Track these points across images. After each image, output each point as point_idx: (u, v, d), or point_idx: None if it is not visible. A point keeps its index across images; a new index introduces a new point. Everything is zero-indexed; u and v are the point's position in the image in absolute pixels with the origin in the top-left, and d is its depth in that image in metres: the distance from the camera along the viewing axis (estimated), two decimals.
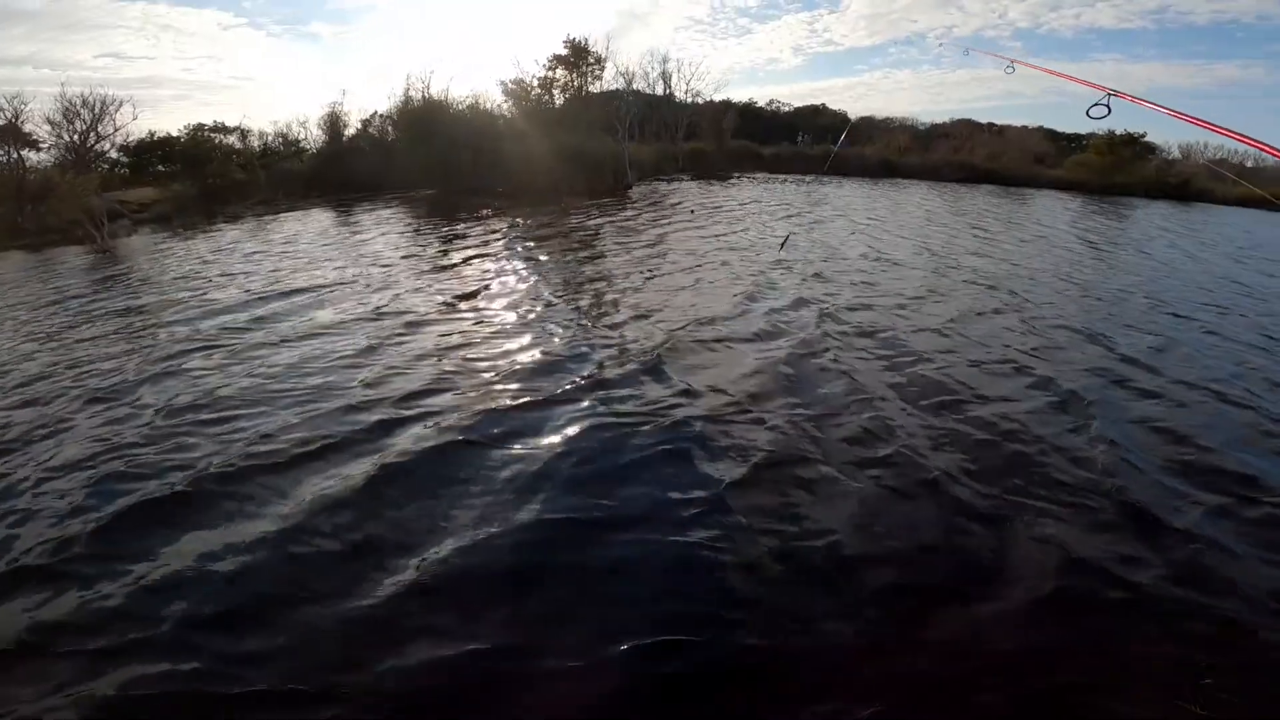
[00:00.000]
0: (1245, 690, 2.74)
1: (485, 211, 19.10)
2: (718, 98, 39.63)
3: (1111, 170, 32.36)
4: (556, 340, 7.18)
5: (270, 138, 31.28)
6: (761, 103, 48.01)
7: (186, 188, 24.70)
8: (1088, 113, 2.98)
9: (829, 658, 2.98)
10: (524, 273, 10.89)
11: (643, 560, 3.57)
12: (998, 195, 27.66)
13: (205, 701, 2.77)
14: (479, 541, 3.71)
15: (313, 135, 31.27)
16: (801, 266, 11.13)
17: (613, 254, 12.44)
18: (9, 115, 23.21)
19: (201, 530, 3.89)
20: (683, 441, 4.81)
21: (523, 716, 2.71)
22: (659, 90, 37.19)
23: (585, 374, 6.09)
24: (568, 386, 5.81)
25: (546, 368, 6.33)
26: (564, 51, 30.25)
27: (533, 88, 30.07)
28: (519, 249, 13.17)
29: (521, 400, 5.54)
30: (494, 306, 8.78)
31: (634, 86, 34.35)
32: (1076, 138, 39.84)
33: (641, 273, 10.59)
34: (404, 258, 12.49)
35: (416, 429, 5.03)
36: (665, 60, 45.82)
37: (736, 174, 32.69)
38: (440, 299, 9.13)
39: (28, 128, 23.71)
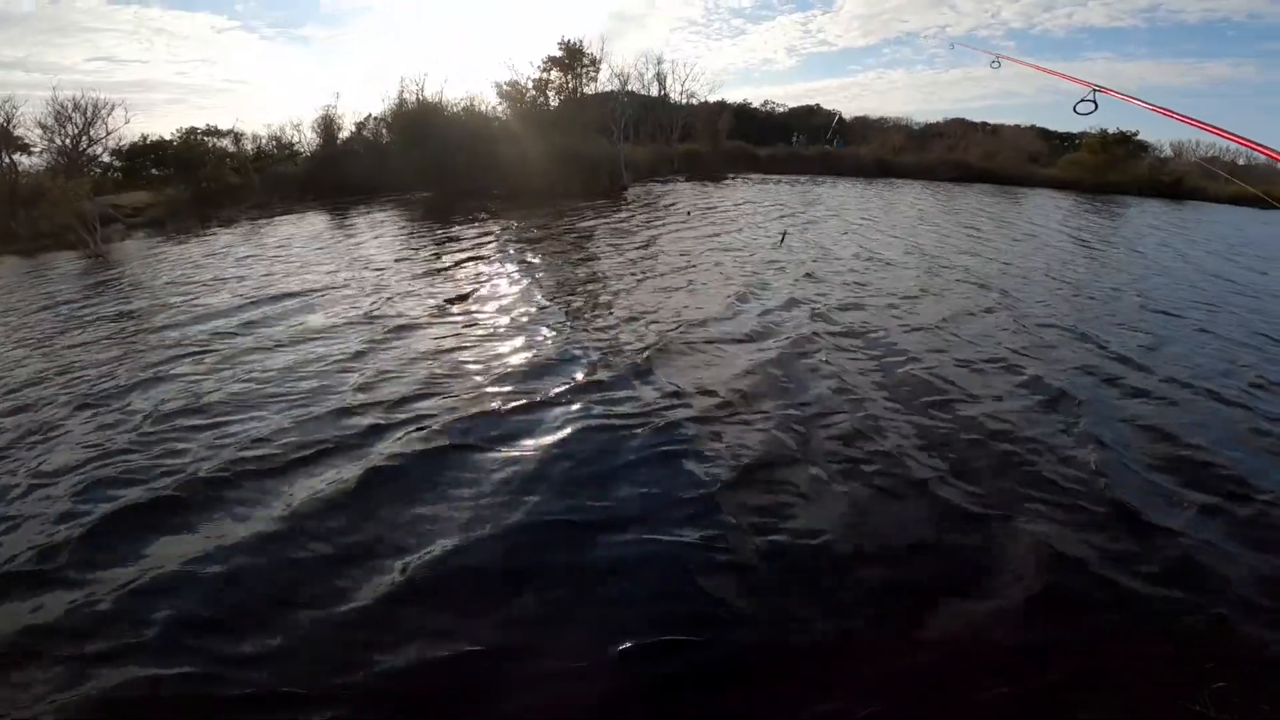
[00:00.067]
0: (1245, 690, 2.75)
1: (480, 214, 19.07)
2: (712, 99, 39.61)
3: (1105, 169, 32.48)
4: (549, 343, 7.18)
5: (264, 141, 31.20)
6: (756, 103, 48.01)
7: (180, 191, 24.56)
8: (1075, 108, 2.99)
9: (823, 657, 2.99)
10: (517, 275, 10.88)
11: (637, 561, 3.58)
12: (991, 194, 27.75)
13: (198, 704, 2.77)
14: (473, 543, 3.72)
15: (307, 138, 31.19)
16: (794, 267, 11.15)
17: (607, 256, 12.45)
18: (0, 119, 23.13)
19: (192, 534, 3.89)
20: (675, 442, 4.83)
21: (519, 717, 2.72)
22: (654, 91, 37.18)
23: (578, 376, 6.10)
24: (560, 388, 5.81)
25: (539, 370, 6.33)
26: (559, 53, 30.31)
27: (527, 89, 30.04)
28: (513, 251, 13.17)
29: (514, 403, 5.54)
30: (487, 309, 8.77)
31: (629, 88, 34.35)
32: (1069, 137, 39.97)
33: (635, 274, 10.60)
34: (397, 261, 12.47)
35: (409, 432, 5.02)
36: (660, 61, 45.85)
37: (731, 175, 32.71)
38: (433, 302, 9.12)
39: (19, 132, 23.65)
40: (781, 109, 48.53)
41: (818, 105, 48.74)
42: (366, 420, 5.25)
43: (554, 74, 30.56)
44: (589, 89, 31.61)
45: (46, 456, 4.99)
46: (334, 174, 26.80)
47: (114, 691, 2.81)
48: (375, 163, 27.11)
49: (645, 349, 6.73)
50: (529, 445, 4.83)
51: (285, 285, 10.63)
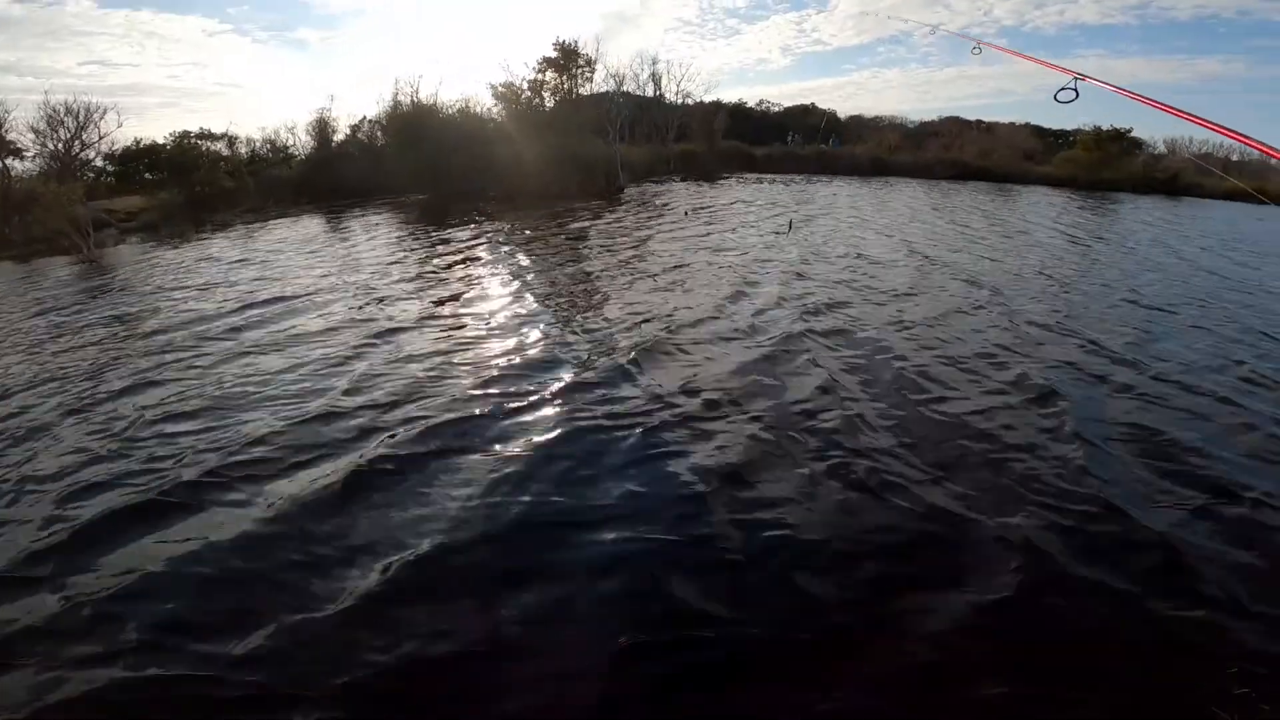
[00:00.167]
0: (1239, 688, 2.74)
1: (475, 216, 19.06)
2: (708, 99, 39.66)
3: (1099, 166, 32.53)
4: (540, 343, 7.18)
5: (258, 144, 31.25)
6: (751, 103, 48.13)
7: (174, 196, 24.55)
8: (1055, 96, 2.98)
9: (818, 655, 3.00)
10: (510, 277, 10.87)
11: (628, 560, 3.58)
12: (986, 192, 27.78)
13: (191, 704, 2.78)
14: (465, 542, 3.73)
15: (301, 141, 31.19)
16: (786, 265, 11.17)
17: (601, 257, 12.44)
18: None
19: (181, 536, 3.89)
20: (665, 443, 4.83)
21: (514, 716, 2.72)
22: (649, 92, 37.20)
23: (568, 376, 6.10)
24: (549, 389, 5.81)
25: (528, 370, 6.33)
26: (553, 54, 30.31)
27: (523, 91, 30.03)
28: (506, 253, 13.16)
29: (503, 403, 5.53)
30: (478, 311, 8.76)
31: (624, 88, 34.38)
32: (1064, 134, 40.07)
33: (628, 275, 10.60)
34: (391, 264, 12.47)
35: (397, 433, 5.02)
36: (655, 62, 45.99)
37: (727, 175, 32.73)
38: (424, 304, 9.12)
39: (11, 136, 23.63)
40: (777, 108, 48.67)
41: (813, 104, 48.90)
42: (354, 421, 5.25)
43: (549, 75, 30.59)
44: (584, 90, 31.63)
45: (35, 460, 5.00)
46: (329, 177, 26.76)
47: (102, 693, 2.82)
48: (370, 165, 27.09)
49: (635, 349, 6.73)
50: (519, 445, 4.82)
51: (278, 289, 10.62)
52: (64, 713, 2.73)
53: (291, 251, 14.84)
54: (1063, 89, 2.94)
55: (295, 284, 10.93)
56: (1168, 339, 7.67)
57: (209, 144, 28.99)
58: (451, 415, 5.29)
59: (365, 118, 30.68)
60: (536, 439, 4.91)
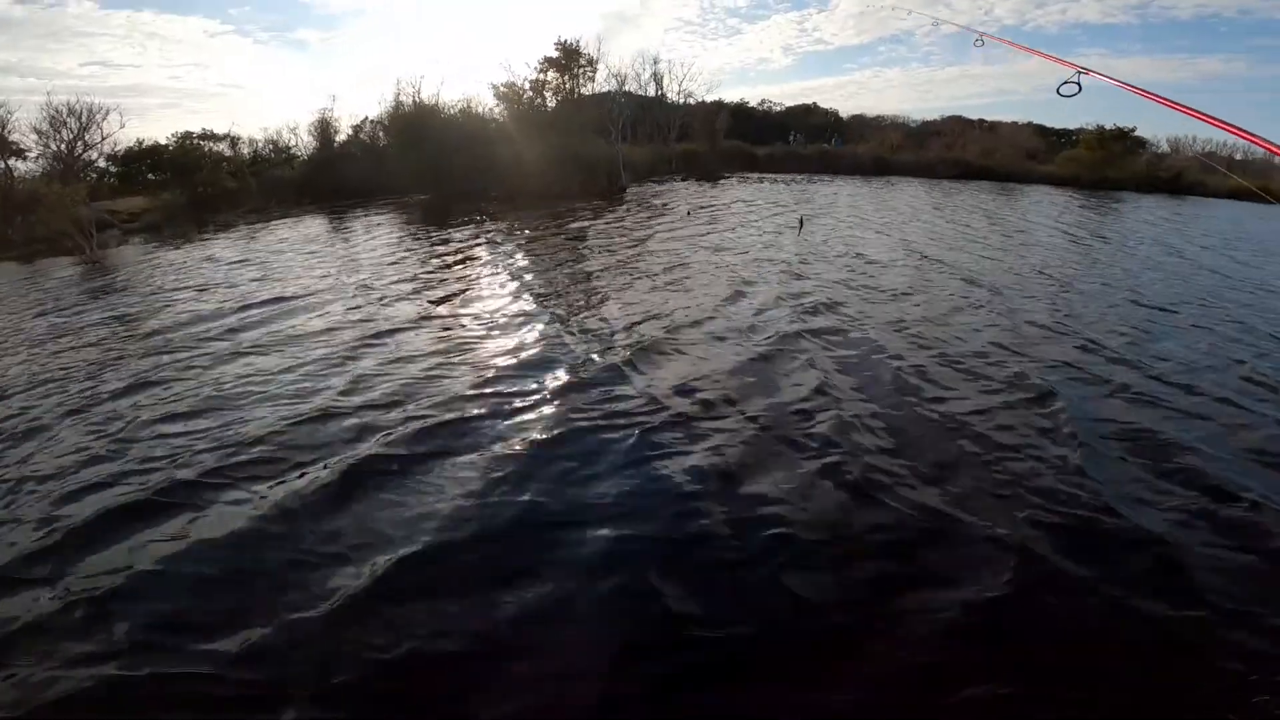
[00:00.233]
0: (1237, 690, 2.73)
1: (477, 216, 19.08)
2: (710, 98, 39.67)
3: (1102, 165, 32.45)
4: (538, 343, 7.18)
5: (260, 145, 31.27)
6: (753, 103, 48.07)
7: (176, 196, 24.60)
8: (1058, 90, 2.98)
9: (815, 655, 3.00)
10: (509, 277, 10.87)
11: (625, 560, 3.58)
12: (988, 191, 27.73)
13: (186, 702, 2.78)
14: (462, 541, 3.74)
15: (303, 142, 31.22)
16: (785, 265, 11.16)
17: (601, 256, 12.45)
18: None
19: (179, 534, 3.89)
20: (661, 442, 4.83)
21: (510, 715, 2.71)
22: (651, 91, 37.26)
23: (565, 376, 6.10)
24: (547, 388, 5.82)
25: (526, 370, 6.33)
26: (555, 54, 30.31)
27: (524, 91, 30.04)
28: (506, 253, 13.17)
29: (500, 403, 5.54)
30: (477, 311, 8.77)
31: (626, 88, 34.42)
32: (1067, 133, 39.98)
33: (627, 275, 10.60)
34: (391, 264, 12.48)
35: (395, 432, 5.02)
36: (656, 61, 45.86)
37: (729, 174, 32.72)
38: (423, 304, 9.13)
39: (14, 137, 23.70)
40: (779, 108, 48.61)
41: (814, 104, 48.87)
42: (352, 421, 5.26)
43: (551, 75, 30.58)
44: (586, 89, 31.64)
45: (33, 460, 5.01)
46: (331, 177, 26.81)
47: (97, 691, 2.82)
48: (372, 166, 27.14)
49: (633, 348, 6.73)
50: (516, 445, 4.82)
51: (278, 289, 10.64)
52: (60, 711, 2.73)
53: (293, 252, 14.87)
54: (1065, 82, 2.93)
55: (295, 284, 10.95)
56: (1168, 338, 7.64)
57: (211, 145, 29.04)
58: (449, 415, 5.29)
59: (367, 118, 30.77)
60: (534, 438, 4.90)
